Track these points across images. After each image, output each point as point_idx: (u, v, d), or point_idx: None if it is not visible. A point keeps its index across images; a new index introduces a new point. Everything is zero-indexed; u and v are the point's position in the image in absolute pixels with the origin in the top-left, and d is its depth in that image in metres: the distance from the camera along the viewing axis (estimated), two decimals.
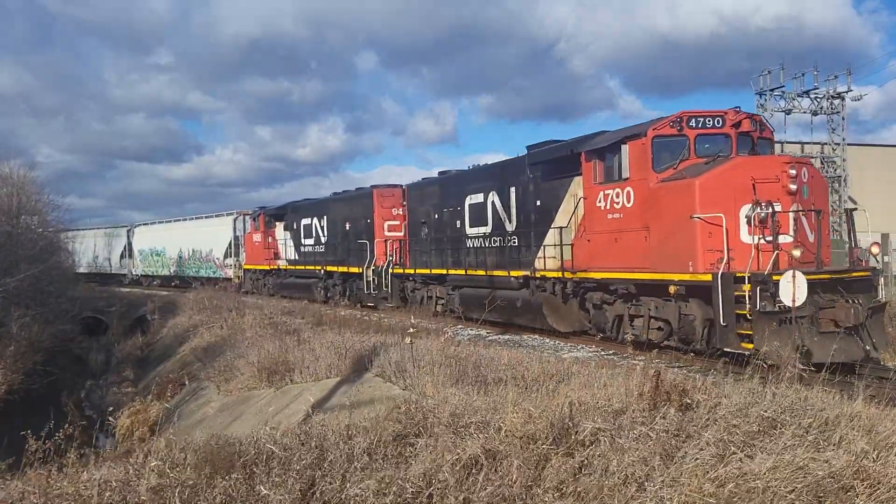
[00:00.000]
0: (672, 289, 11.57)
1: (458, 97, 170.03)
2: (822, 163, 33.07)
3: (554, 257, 14.99)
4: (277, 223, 31.68)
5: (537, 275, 15.50)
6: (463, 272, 18.80)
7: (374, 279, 23.12)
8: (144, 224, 50.22)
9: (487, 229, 17.93)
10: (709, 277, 10.75)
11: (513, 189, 16.83)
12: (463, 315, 17.87)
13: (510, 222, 17.00)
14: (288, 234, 30.63)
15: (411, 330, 10.57)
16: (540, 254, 15.55)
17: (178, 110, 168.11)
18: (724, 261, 10.68)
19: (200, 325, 22.33)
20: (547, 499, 4.79)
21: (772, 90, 31.94)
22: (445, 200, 19.93)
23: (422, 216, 21.27)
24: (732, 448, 5.21)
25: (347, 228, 25.48)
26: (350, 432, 6.28)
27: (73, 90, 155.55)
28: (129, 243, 49.49)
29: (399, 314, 19.02)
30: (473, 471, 5.20)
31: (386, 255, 22.85)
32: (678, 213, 11.44)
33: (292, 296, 28.12)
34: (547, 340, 15.12)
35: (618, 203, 12.98)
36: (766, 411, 5.94)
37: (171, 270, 44.13)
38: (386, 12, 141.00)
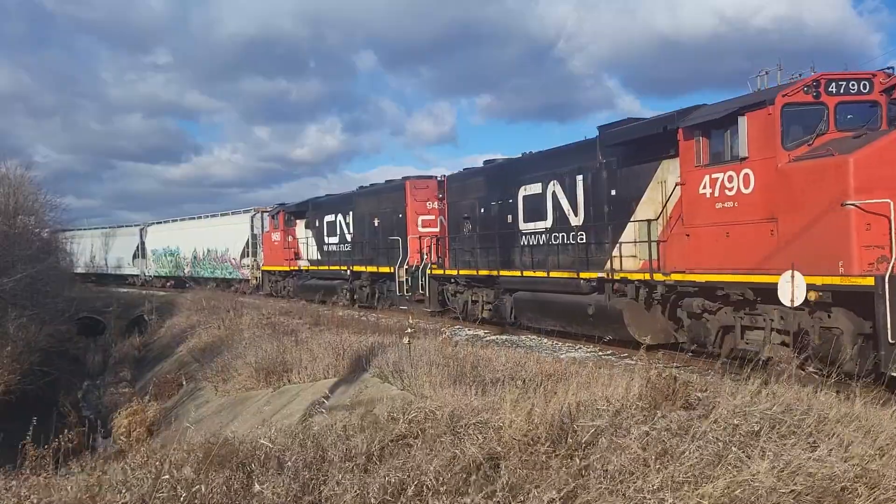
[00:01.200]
0: (812, 295, 9.31)
1: (457, 97, 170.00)
2: None
3: (634, 256, 13.08)
4: (298, 221, 29.68)
5: (617, 276, 13.14)
6: (518, 274, 16.45)
7: (407, 280, 21.10)
8: (158, 223, 48.13)
9: (546, 224, 15.72)
10: (870, 281, 8.66)
11: (580, 177, 14.55)
12: (517, 322, 16.49)
13: (576, 216, 14.76)
14: (309, 232, 28.63)
15: (409, 330, 10.55)
16: (615, 252, 13.39)
17: (176, 110, 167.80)
18: (893, 261, 8.61)
19: (198, 325, 22.32)
20: (547, 500, 4.77)
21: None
22: (493, 192, 17.70)
23: (464, 210, 19.05)
24: (732, 448, 5.20)
25: (376, 225, 23.53)
26: (348, 433, 6.27)
27: (71, 89, 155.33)
28: (142, 243, 47.59)
29: (398, 314, 19.00)
30: (472, 472, 5.19)
31: (420, 253, 20.96)
32: (822, 200, 9.34)
33: (315, 299, 25.61)
34: (545, 341, 15.11)
35: (730, 189, 10.75)
36: (765, 411, 5.93)
37: (186, 271, 42.05)
38: (385, 11, 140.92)
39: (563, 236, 15.24)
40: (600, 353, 13.11)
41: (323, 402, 9.52)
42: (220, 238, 38.30)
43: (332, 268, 26.42)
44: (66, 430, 6.88)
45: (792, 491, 4.69)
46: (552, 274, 15.18)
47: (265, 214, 34.33)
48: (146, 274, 46.80)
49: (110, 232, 51.47)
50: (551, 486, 4.82)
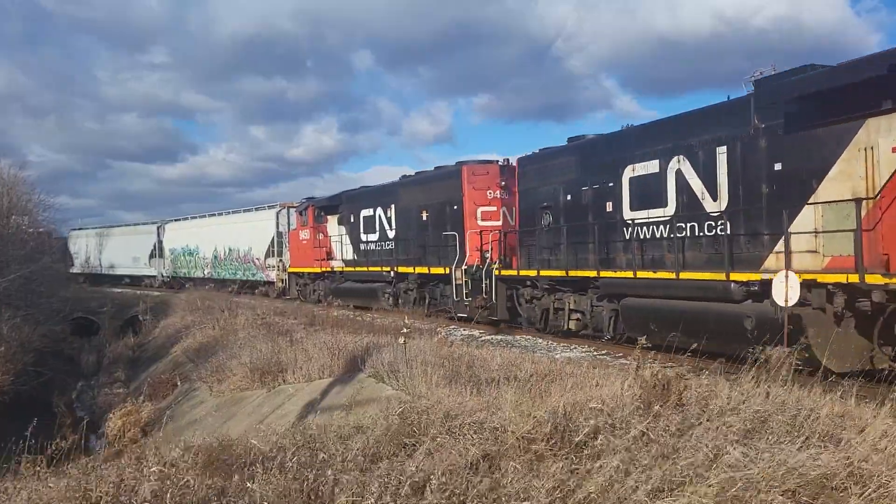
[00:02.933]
0: None
1: (455, 97, 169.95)
2: None
3: (813, 251, 10.03)
4: (329, 217, 26.64)
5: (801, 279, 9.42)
6: (629, 275, 12.94)
7: (466, 283, 18.03)
8: (175, 220, 44.98)
9: (666, 211, 12.56)
10: None
11: (722, 149, 11.44)
12: (620, 337, 13.28)
13: (715, 199, 11.63)
14: (343, 228, 25.60)
15: (405, 330, 10.55)
16: (778, 246, 10.38)
17: (173, 109, 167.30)
18: None
19: (193, 325, 22.28)
20: (544, 500, 4.79)
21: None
22: (586, 175, 14.55)
23: (543, 198, 15.86)
24: (726, 447, 5.23)
25: (425, 219, 20.52)
26: (343, 433, 6.27)
27: (67, 88, 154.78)
28: (160, 241, 44.54)
29: (393, 315, 18.96)
30: (469, 472, 5.20)
31: (480, 251, 18.11)
32: None
33: (351, 304, 22.82)
34: (539, 341, 15.13)
35: None
36: (759, 410, 5.96)
37: (206, 272, 39.07)
38: (384, 11, 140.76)
39: (693, 227, 12.02)
40: (595, 353, 13.15)
41: (318, 402, 9.53)
42: (243, 237, 35.15)
43: (371, 269, 23.33)
44: (60, 431, 6.87)
45: (786, 490, 4.71)
46: (684, 275, 11.76)
47: (291, 210, 31.27)
48: (163, 275, 43.98)
49: (126, 230, 49.00)
50: (547, 486, 4.83)
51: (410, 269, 20.95)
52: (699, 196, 12.00)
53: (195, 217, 42.96)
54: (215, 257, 38.29)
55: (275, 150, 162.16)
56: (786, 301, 9.53)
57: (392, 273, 21.87)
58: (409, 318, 12.87)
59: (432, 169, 21.46)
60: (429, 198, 20.49)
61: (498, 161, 19.14)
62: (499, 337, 15.99)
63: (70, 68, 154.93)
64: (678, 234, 12.27)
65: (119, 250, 47.79)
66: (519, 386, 8.03)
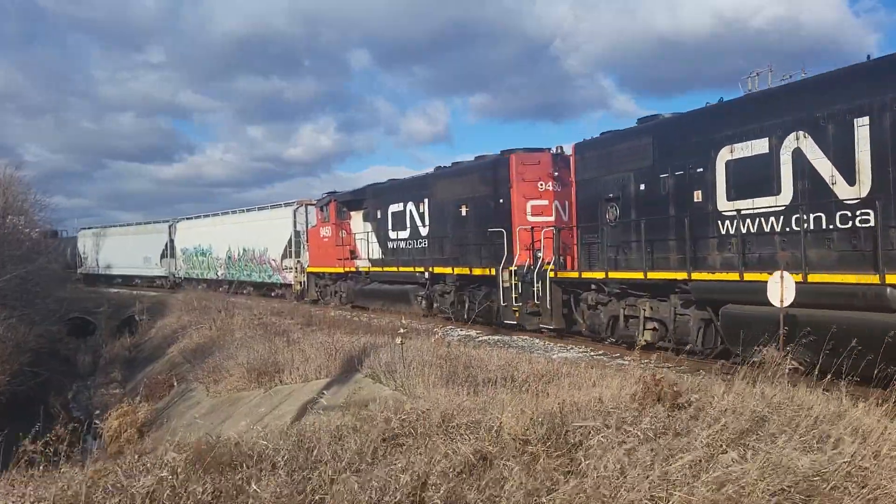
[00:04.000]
0: None
1: (451, 96, 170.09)
2: None
3: None
4: (353, 213, 24.78)
5: None
6: (733, 277, 10.86)
7: (516, 286, 16.08)
8: (188, 218, 42.78)
9: (780, 200, 10.52)
10: None
11: (861, 121, 9.38)
12: (719, 352, 11.43)
13: (851, 184, 9.55)
14: (369, 225, 23.72)
15: (402, 331, 10.55)
16: None
17: (170, 109, 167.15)
18: None
19: (189, 325, 22.23)
20: (539, 499, 4.79)
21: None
22: (666, 160, 12.48)
23: (607, 189, 13.85)
24: (722, 447, 5.24)
25: (465, 214, 18.49)
26: (340, 433, 6.27)
27: (63, 88, 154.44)
28: (171, 241, 42.44)
29: (389, 315, 18.90)
30: (465, 473, 5.20)
31: (532, 249, 16.06)
32: None
33: (379, 307, 21.04)
34: (537, 341, 15.14)
35: None
36: (755, 410, 5.98)
37: (219, 273, 36.91)
38: (381, 10, 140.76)
39: (819, 218, 9.91)
40: (592, 354, 13.16)
41: (315, 402, 9.53)
42: (258, 236, 32.93)
43: (402, 269, 21.24)
44: (56, 432, 6.85)
45: (782, 490, 4.73)
46: (815, 278, 9.63)
47: (310, 207, 29.31)
48: (175, 275, 41.73)
49: (139, 229, 46.88)
50: (543, 486, 4.84)
51: (448, 270, 18.87)
52: (827, 180, 9.85)
53: (208, 215, 40.82)
54: (229, 258, 36.25)
55: (272, 150, 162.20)
56: (781, 302, 9.56)
57: (427, 274, 19.78)
58: (405, 318, 12.86)
59: (473, 159, 19.24)
60: (469, 191, 18.36)
61: (550, 149, 17.17)
62: (496, 337, 15.99)
63: (67, 68, 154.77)
64: (794, 228, 10.15)
65: (129, 250, 45.81)
66: (516, 386, 8.04)
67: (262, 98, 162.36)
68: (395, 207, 22.07)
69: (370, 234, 23.56)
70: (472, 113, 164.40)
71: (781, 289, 9.53)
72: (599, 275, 13.73)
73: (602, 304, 13.98)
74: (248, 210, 36.42)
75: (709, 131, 11.82)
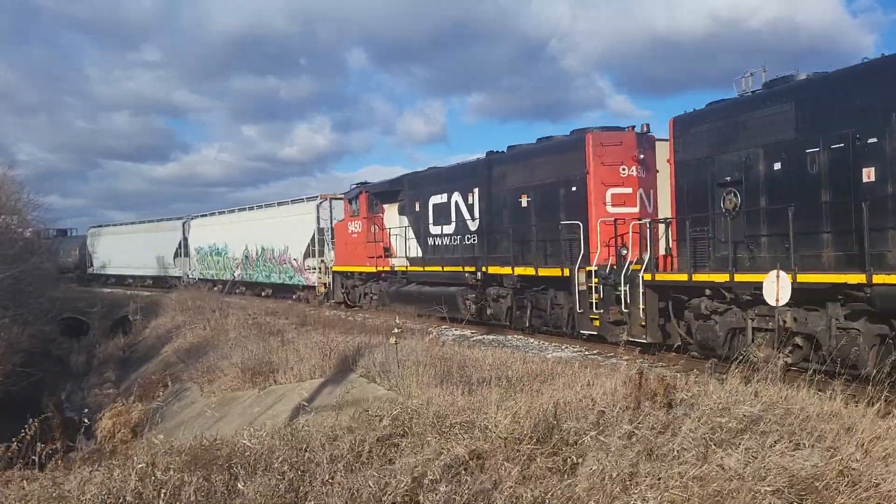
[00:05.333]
0: None
1: (449, 96, 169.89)
2: None
3: None
4: (387, 206, 22.32)
5: None
6: None
7: (596, 289, 13.48)
8: (203, 215, 39.92)
9: None
10: None
11: None
12: None
13: None
14: (405, 219, 21.14)
15: (396, 330, 10.55)
16: None
17: (165, 108, 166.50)
18: None
19: (183, 325, 22.20)
20: (532, 499, 4.79)
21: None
22: (816, 131, 9.93)
23: (722, 171, 11.33)
24: (714, 447, 5.25)
25: (525, 205, 15.98)
26: (334, 433, 6.26)
27: (56, 86, 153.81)
28: (185, 239, 39.89)
29: (384, 313, 18.85)
30: (459, 471, 5.20)
31: (613, 246, 13.66)
32: None
33: (417, 312, 18.35)
34: (531, 341, 15.15)
35: None
36: (748, 409, 5.99)
37: (235, 274, 34.31)
38: (378, 9, 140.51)
39: None
40: (586, 353, 13.17)
41: (309, 402, 9.52)
42: (278, 233, 30.37)
43: (447, 268, 18.82)
44: (49, 432, 6.82)
45: (775, 490, 4.74)
46: None
47: (335, 202, 27.17)
48: (189, 276, 38.83)
49: (149, 227, 44.34)
50: (537, 485, 4.85)
51: (507, 270, 16.30)
52: None
53: (223, 212, 37.77)
54: (246, 257, 33.54)
55: (267, 150, 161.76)
56: (776, 301, 9.59)
57: (478, 274, 17.42)
58: (399, 318, 12.86)
59: (535, 141, 16.61)
60: (532, 178, 15.88)
61: (633, 128, 14.75)
62: (490, 337, 15.99)
63: (61, 66, 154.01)
64: None
65: (142, 249, 43.00)
66: (510, 386, 8.05)
67: (257, 97, 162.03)
68: (437, 199, 19.48)
69: (407, 229, 20.98)
70: (470, 113, 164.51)
71: (777, 288, 9.56)
72: (721, 277, 10.85)
73: (718, 314, 11.24)
74: (266, 206, 33.47)
75: (885, 90, 9.13)
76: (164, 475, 5.14)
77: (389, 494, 4.89)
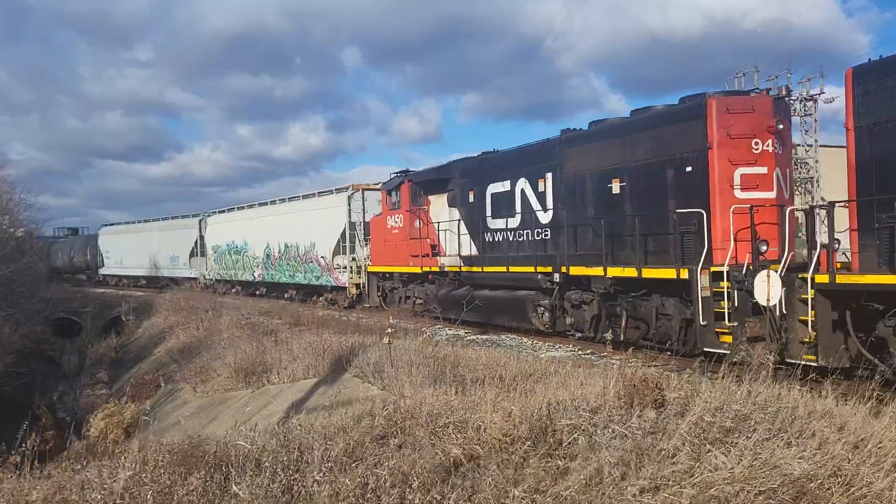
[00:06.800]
0: None
1: (443, 96, 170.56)
2: (795, 164, 33.75)
3: None
4: (433, 197, 19.67)
5: None
6: None
7: (727, 297, 10.67)
8: (220, 211, 37.70)
9: None
10: None
11: None
12: None
13: None
14: (456, 212, 18.60)
15: (389, 330, 10.54)
16: None
17: (158, 107, 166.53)
18: None
19: (176, 325, 22.14)
20: (526, 499, 4.80)
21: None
22: None
23: None
24: (707, 446, 5.27)
25: (618, 190, 13.29)
26: (327, 433, 6.26)
27: (48, 85, 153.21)
28: (202, 237, 37.89)
29: (378, 314, 18.84)
30: (452, 472, 5.21)
31: (753, 241, 10.79)
32: None
33: (474, 319, 16.45)
34: (525, 340, 15.16)
35: None
36: (740, 409, 6.02)
37: (255, 274, 32.16)
38: (373, 8, 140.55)
39: None
40: (580, 353, 13.19)
41: (302, 402, 9.51)
42: (304, 229, 28.06)
43: (513, 269, 16.07)
44: (41, 433, 6.80)
45: (768, 489, 4.76)
46: None
47: (367, 193, 25.05)
48: (206, 277, 36.67)
49: (164, 225, 42.41)
50: (531, 485, 4.85)
51: (596, 271, 13.34)
52: None
53: (242, 207, 35.37)
54: (267, 256, 31.17)
55: (261, 149, 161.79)
56: (767, 300, 9.64)
57: (556, 276, 14.64)
58: (393, 317, 12.85)
59: (629, 115, 13.87)
60: (627, 157, 13.17)
61: (768, 90, 12.02)
62: (484, 337, 16.00)
63: (53, 65, 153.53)
64: None
65: (156, 248, 41.33)
66: (504, 385, 8.05)
67: (251, 96, 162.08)
68: (497, 187, 16.90)
69: (459, 223, 18.39)
70: (464, 112, 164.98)
71: (768, 287, 9.61)
72: None
73: None
74: (290, 199, 30.88)
75: None
76: (155, 476, 5.12)
77: (382, 494, 4.89)
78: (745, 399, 6.32)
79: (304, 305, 24.79)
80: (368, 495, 4.89)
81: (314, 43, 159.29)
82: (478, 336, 16.09)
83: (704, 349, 10.82)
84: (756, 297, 9.74)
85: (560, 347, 14.06)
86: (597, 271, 13.41)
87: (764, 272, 9.67)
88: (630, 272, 12.56)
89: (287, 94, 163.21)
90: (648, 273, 12.24)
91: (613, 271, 13.01)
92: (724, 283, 10.73)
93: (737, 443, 5.35)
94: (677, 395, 6.47)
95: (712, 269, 11.03)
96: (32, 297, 26.32)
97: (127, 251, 44.80)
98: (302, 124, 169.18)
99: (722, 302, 10.76)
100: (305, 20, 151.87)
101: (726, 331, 10.74)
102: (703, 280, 10.96)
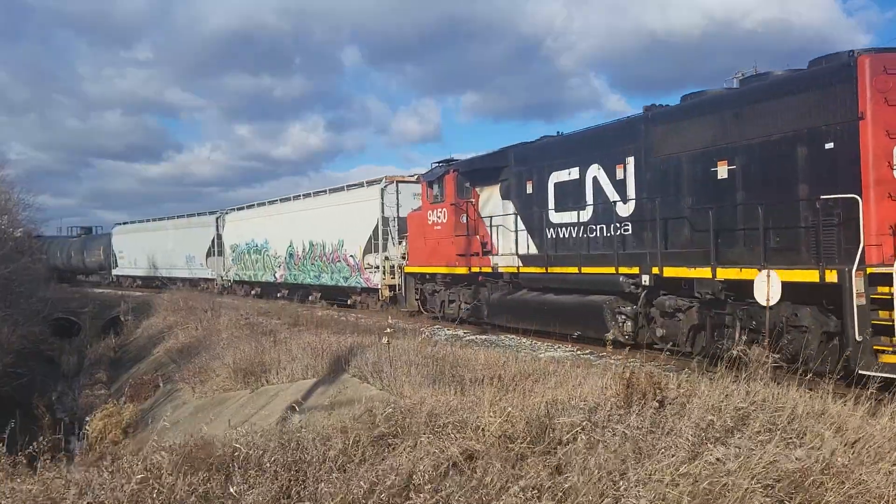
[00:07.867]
0: None
1: (443, 95, 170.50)
2: None
3: None
4: (481, 189, 17.45)
5: None
6: None
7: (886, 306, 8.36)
8: (239, 208, 35.43)
9: None
10: None
11: None
12: None
13: None
14: (511, 205, 16.26)
15: (388, 330, 10.56)
16: None
17: (157, 107, 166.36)
18: None
19: (175, 326, 22.13)
20: (525, 498, 4.81)
21: None
22: None
23: None
24: (707, 444, 5.28)
25: (726, 175, 10.82)
26: (326, 433, 6.26)
27: (47, 85, 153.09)
28: (219, 236, 35.82)
29: (377, 314, 18.83)
30: (451, 471, 5.21)
31: None
32: None
33: (534, 328, 14.53)
34: (524, 340, 15.16)
35: None
36: (738, 407, 6.03)
37: (276, 275, 30.00)
38: (371, 7, 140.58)
39: None
40: (579, 353, 13.20)
41: (302, 402, 9.51)
42: (331, 226, 25.59)
43: (586, 270, 13.61)
44: (40, 433, 6.80)
45: (766, 486, 4.77)
46: None
47: (402, 186, 22.84)
48: (224, 277, 34.90)
49: (179, 223, 40.40)
50: (529, 484, 4.86)
51: (701, 273, 10.94)
52: None
53: (263, 203, 33.12)
54: (290, 255, 28.94)
55: (260, 149, 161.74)
56: (767, 300, 9.64)
57: (644, 278, 12.24)
58: (391, 317, 12.86)
59: (739, 84, 11.58)
60: (738, 133, 10.74)
61: None
62: (483, 337, 16.01)
63: (52, 65, 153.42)
64: None
65: (171, 248, 39.51)
66: (503, 385, 8.06)
67: (250, 96, 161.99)
68: (561, 175, 14.61)
69: (515, 217, 16.06)
70: (464, 112, 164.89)
71: (768, 287, 9.61)
72: None
73: None
74: (315, 194, 28.40)
75: None
76: (156, 477, 5.13)
77: (382, 494, 4.90)
78: (744, 398, 6.34)
79: (302, 305, 24.74)
80: (369, 495, 4.89)
81: (314, 43, 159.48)
82: (476, 336, 16.10)
83: (861, 371, 8.33)
84: (755, 297, 9.74)
85: (559, 347, 14.07)
86: (702, 273, 10.94)
87: (764, 272, 9.67)
88: (749, 274, 9.97)
89: (286, 94, 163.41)
90: (786, 275, 9.56)
91: (725, 273, 10.55)
92: (889, 289, 8.30)
93: (735, 441, 5.37)
94: (677, 393, 6.48)
95: (869, 270, 8.57)
96: (31, 297, 26.29)
97: (141, 251, 42.95)
98: (301, 124, 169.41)
99: (883, 312, 8.43)
100: (305, 20, 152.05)
101: (889, 348, 8.35)
102: (857, 284, 8.58)
